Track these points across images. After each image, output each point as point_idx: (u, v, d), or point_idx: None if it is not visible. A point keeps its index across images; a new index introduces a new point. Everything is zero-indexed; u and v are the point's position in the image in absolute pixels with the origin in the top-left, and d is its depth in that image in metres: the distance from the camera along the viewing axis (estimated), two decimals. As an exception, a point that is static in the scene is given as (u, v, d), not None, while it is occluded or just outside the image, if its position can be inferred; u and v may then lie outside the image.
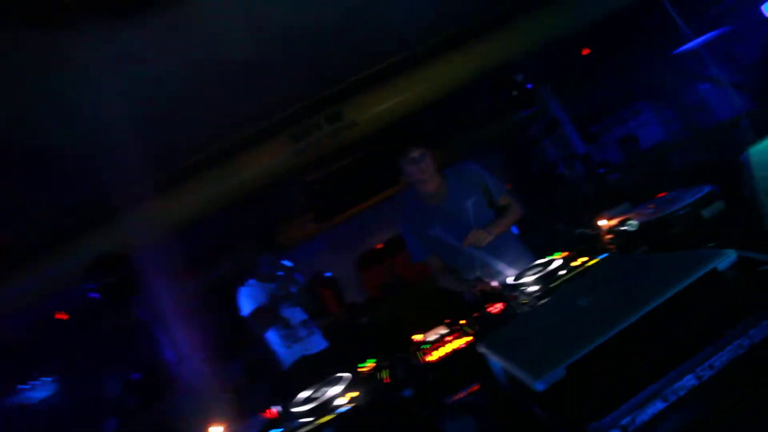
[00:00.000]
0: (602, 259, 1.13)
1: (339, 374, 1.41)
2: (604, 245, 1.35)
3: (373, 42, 2.97)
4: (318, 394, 1.26)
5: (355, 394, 1.14)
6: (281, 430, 1.14)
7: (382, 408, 0.98)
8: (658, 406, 0.49)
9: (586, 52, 5.89)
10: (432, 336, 1.34)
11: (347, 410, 1.03)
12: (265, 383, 3.27)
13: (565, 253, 1.50)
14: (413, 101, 3.26)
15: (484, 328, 1.14)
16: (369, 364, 1.44)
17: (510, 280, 1.45)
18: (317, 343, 2.65)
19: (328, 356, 2.65)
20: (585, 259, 1.27)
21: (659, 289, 0.65)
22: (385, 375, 1.18)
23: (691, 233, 1.19)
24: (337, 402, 1.15)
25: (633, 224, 1.26)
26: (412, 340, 1.43)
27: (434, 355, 1.11)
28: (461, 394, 0.89)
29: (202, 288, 4.69)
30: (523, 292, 1.27)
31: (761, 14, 5.25)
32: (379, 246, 7.43)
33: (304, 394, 1.36)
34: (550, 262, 1.43)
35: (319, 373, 2.63)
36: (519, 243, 1.90)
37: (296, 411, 1.23)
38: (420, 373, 1.07)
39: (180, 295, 3.06)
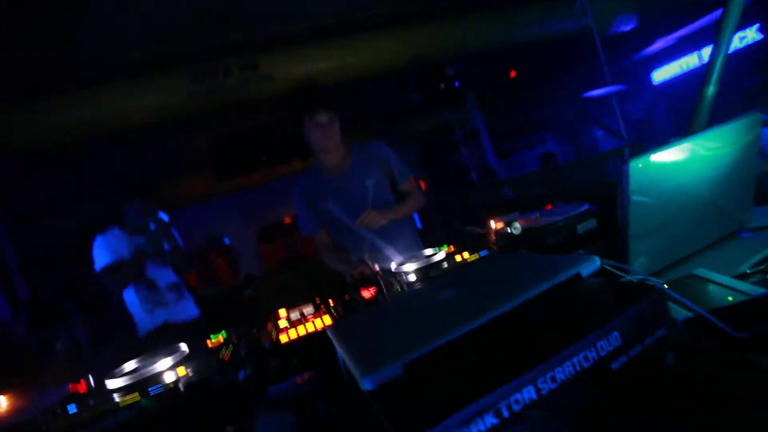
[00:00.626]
0: (482, 256, 1.10)
1: (177, 345, 1.20)
2: (489, 244, 1.35)
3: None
4: (143, 367, 1.04)
5: (183, 371, 0.95)
6: (73, 406, 0.90)
7: (204, 390, 0.82)
8: (491, 420, 0.41)
9: (513, 74, 6.26)
10: (294, 314, 1.20)
11: (160, 392, 0.84)
12: (113, 349, 2.81)
13: (451, 248, 1.48)
14: (339, 71, 3.06)
15: (348, 312, 1.03)
16: (219, 337, 1.25)
17: (390, 267, 1.38)
18: (185, 311, 2.33)
19: (196, 326, 2.34)
20: (467, 254, 1.25)
21: (521, 289, 0.59)
22: (227, 352, 1.01)
23: (564, 244, 1.23)
24: (163, 378, 0.95)
25: (516, 228, 1.26)
26: (274, 315, 1.27)
27: (286, 336, 0.97)
28: (292, 382, 0.76)
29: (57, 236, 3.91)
30: (399, 280, 1.20)
31: (650, 80, 6.11)
32: (287, 220, 7.08)
33: (128, 366, 1.12)
34: (435, 254, 1.39)
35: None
36: (413, 233, 1.84)
37: (109, 386, 0.99)
38: (265, 353, 0.92)
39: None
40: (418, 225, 5.00)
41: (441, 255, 1.29)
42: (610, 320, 0.47)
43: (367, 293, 1.14)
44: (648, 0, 3.64)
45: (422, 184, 6.17)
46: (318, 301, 1.29)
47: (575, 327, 0.50)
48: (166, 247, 2.22)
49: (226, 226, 7.02)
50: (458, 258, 1.24)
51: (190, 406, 0.77)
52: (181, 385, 0.84)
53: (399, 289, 1.08)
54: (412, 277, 1.21)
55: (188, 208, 5.82)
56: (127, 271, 2.10)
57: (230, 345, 1.06)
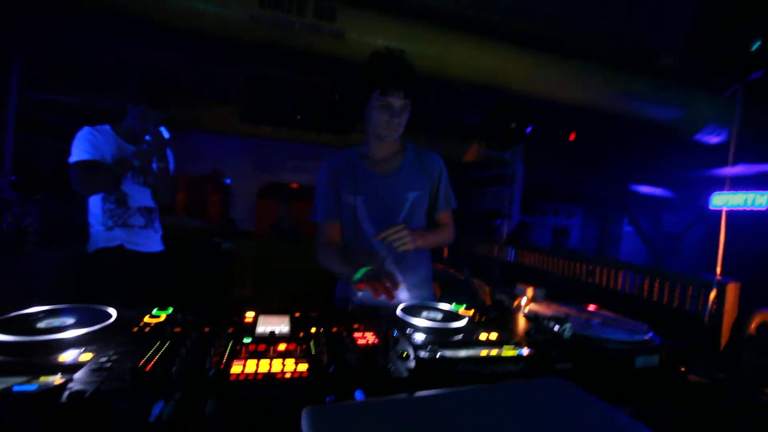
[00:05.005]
0: (538, 381, 0.82)
1: (100, 308, 0.92)
2: (521, 331, 1.07)
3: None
4: (39, 335, 0.76)
5: (88, 356, 0.67)
6: None
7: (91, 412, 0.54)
8: None
9: (572, 137, 5.98)
10: (263, 326, 0.92)
11: (28, 390, 0.56)
12: (53, 257, 2.50)
13: (469, 312, 1.21)
14: (425, 61, 2.76)
15: (333, 358, 0.75)
16: (161, 315, 0.97)
17: (402, 307, 1.11)
18: (148, 242, 2.05)
19: (152, 265, 2.06)
20: (493, 335, 0.98)
21: None
22: (158, 355, 0.73)
23: (618, 374, 0.96)
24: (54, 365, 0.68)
25: (568, 330, 0.98)
26: (239, 318, 0.99)
27: (241, 367, 0.69)
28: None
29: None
30: (407, 337, 0.92)
31: (708, 201, 5.76)
32: (294, 185, 6.81)
33: (33, 312, 0.85)
34: (452, 313, 1.11)
35: (127, 278, 2.01)
36: (429, 269, 1.56)
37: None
38: (205, 384, 0.64)
39: None
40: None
41: (462, 322, 1.01)
42: None
43: (362, 338, 0.86)
44: (748, 123, 3.37)
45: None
46: (297, 316, 1.02)
47: None
48: (155, 166, 1.95)
49: (235, 169, 6.76)
50: (483, 336, 0.96)
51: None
52: (65, 394, 0.57)
53: (405, 354, 0.80)
54: (421, 337, 0.94)
55: (203, 136, 5.53)
56: (103, 176, 1.83)
57: (168, 342, 0.78)
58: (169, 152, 2.01)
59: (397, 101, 1.29)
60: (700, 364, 1.08)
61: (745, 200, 4.44)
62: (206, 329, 0.88)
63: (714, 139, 3.47)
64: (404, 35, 2.64)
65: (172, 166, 2.07)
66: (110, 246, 1.92)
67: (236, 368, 0.69)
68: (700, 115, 3.31)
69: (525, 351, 0.88)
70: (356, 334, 0.91)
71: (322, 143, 5.31)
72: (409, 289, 1.45)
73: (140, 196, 1.99)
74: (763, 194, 4.39)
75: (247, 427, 0.60)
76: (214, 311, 1.01)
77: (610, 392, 0.77)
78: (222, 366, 0.69)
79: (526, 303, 1.37)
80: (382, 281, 1.11)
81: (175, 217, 5.48)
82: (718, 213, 5.16)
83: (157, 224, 2.10)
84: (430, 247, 1.52)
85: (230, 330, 0.89)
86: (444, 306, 1.19)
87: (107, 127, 1.92)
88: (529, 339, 0.98)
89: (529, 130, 2.96)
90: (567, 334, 0.96)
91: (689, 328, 2.20)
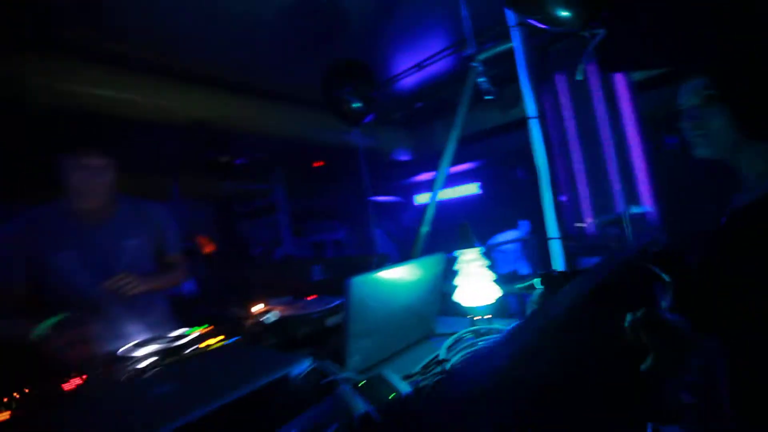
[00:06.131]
0: (224, 345, 1.11)
1: None
2: (244, 329, 1.35)
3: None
4: None
5: None
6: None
7: None
8: None
9: (317, 164, 6.94)
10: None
11: None
12: None
13: (207, 329, 1.41)
14: (120, 105, 2.72)
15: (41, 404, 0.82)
16: None
17: (123, 349, 1.20)
18: None
19: None
20: (220, 338, 1.22)
21: (234, 387, 0.63)
22: None
23: (313, 335, 1.36)
24: None
25: (270, 317, 1.33)
26: None
27: None
28: None
29: None
30: (124, 366, 1.05)
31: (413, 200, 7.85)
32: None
33: None
34: (181, 336, 1.30)
35: None
36: (166, 306, 1.66)
37: None
38: None
39: None
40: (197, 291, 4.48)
41: (186, 339, 1.22)
42: (290, 420, 0.56)
43: (69, 383, 0.94)
44: (420, 145, 4.88)
45: (208, 244, 5.69)
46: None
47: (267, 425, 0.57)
48: None
49: None
50: (205, 343, 1.19)
51: None
52: None
53: (124, 378, 0.94)
54: (144, 363, 1.08)
55: None
56: None
57: None
58: None
59: (95, 161, 1.39)
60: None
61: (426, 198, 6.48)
62: None
63: (404, 158, 4.88)
64: (101, 80, 2.61)
65: None
66: None
67: None
68: (390, 141, 4.60)
69: (232, 340, 1.17)
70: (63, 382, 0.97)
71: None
72: (150, 327, 1.52)
73: None
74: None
75: None
76: None
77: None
78: None
79: (258, 310, 1.68)
80: (77, 333, 1.10)
81: None
82: (421, 208, 7.08)
83: None
84: (163, 288, 1.63)
85: None
86: (176, 332, 1.35)
87: None
88: (246, 330, 1.28)
89: (239, 161, 3.42)
90: (267, 321, 1.31)
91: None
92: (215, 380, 0.72)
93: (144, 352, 1.13)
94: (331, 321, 1.48)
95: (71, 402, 0.86)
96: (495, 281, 1.28)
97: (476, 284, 1.26)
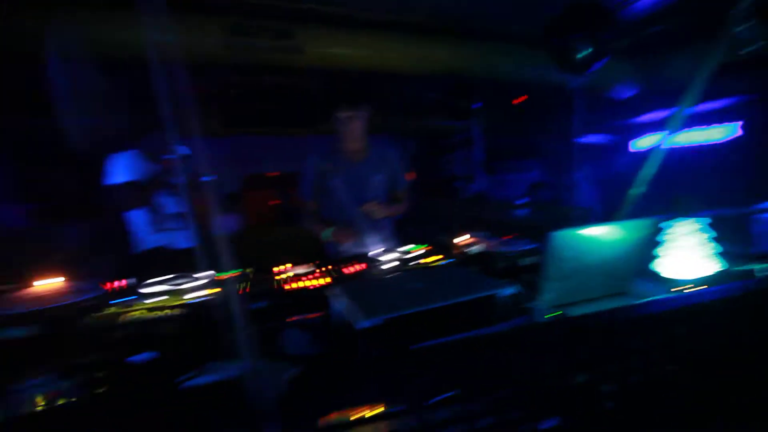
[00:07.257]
0: (446, 264, 1.48)
1: (202, 272, 1.52)
2: (453, 253, 1.73)
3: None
4: (177, 282, 1.36)
5: (215, 290, 1.28)
6: (134, 297, 1.23)
7: (231, 310, 1.15)
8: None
9: (517, 101, 6.61)
10: (298, 270, 1.54)
11: (201, 301, 1.17)
12: (109, 258, 3.03)
13: (428, 248, 1.86)
14: (367, 62, 3.32)
15: (341, 279, 1.38)
16: (232, 273, 1.58)
17: (378, 252, 1.75)
18: (183, 240, 2.60)
19: (188, 257, 2.64)
20: (440, 257, 1.63)
21: (461, 293, 0.96)
22: (244, 287, 1.34)
23: (508, 270, 1.61)
24: (194, 293, 1.28)
25: (474, 250, 1.64)
26: (274, 269, 1.61)
27: (292, 285, 1.32)
28: (303, 317, 1.11)
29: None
30: (384, 264, 1.56)
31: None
32: (275, 174, 7.27)
33: (161, 278, 1.44)
34: (413, 250, 1.77)
35: (173, 268, 2.61)
36: (393, 228, 2.22)
37: (149, 290, 1.31)
38: (276, 295, 1.26)
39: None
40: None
41: (419, 252, 1.67)
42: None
43: (353, 268, 1.49)
44: (652, 76, 4.08)
45: (413, 175, 6.50)
46: (317, 263, 1.64)
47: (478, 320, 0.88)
48: (182, 179, 2.48)
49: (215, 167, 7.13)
50: (430, 259, 1.61)
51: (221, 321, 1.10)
52: (213, 300, 1.18)
53: (383, 269, 1.44)
54: (392, 265, 1.58)
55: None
56: (139, 194, 2.35)
57: (248, 281, 1.39)
58: (191, 164, 2.55)
59: (345, 113, 1.90)
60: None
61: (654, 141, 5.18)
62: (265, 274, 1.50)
63: (624, 95, 4.19)
64: (351, 44, 3.20)
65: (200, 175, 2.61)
66: (155, 247, 2.47)
67: (288, 286, 1.31)
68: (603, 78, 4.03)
69: (449, 261, 1.54)
70: (351, 267, 1.54)
71: (288, 135, 5.84)
72: (381, 243, 2.10)
73: (171, 204, 2.52)
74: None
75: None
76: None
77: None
78: (280, 286, 1.32)
79: (462, 241, 2.03)
80: (345, 234, 1.86)
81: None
82: (639, 153, 5.97)
83: (189, 224, 2.66)
84: (394, 214, 2.16)
85: (274, 275, 1.50)
86: (406, 247, 1.84)
87: (136, 151, 2.42)
88: (456, 255, 1.65)
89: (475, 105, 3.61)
90: (472, 252, 1.63)
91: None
92: (447, 286, 1.07)
93: (388, 258, 1.63)
94: (523, 261, 1.70)
95: (358, 279, 1.39)
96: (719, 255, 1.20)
97: (686, 257, 1.23)
